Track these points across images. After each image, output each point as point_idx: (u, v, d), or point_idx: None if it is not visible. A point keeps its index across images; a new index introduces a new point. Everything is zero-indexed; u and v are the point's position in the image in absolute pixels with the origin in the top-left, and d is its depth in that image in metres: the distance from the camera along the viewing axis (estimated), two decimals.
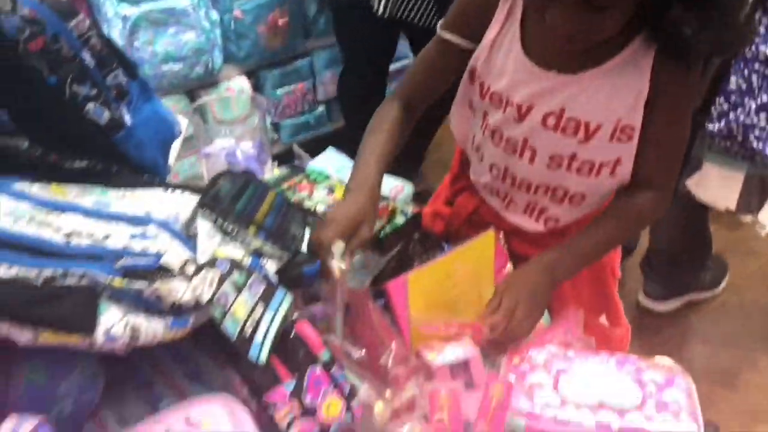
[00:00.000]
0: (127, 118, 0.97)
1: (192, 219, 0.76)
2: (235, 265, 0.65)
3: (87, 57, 0.88)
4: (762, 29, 1.55)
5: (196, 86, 2.39)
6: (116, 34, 2.15)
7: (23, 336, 0.56)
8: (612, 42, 0.97)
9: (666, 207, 1.14)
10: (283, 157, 1.61)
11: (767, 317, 2.22)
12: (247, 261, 0.69)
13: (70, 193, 0.82)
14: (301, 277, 0.80)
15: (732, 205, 1.80)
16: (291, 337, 0.69)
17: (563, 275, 1.08)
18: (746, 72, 1.60)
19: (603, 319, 1.35)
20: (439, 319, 0.99)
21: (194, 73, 2.31)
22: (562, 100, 1.03)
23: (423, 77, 1.13)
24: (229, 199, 0.80)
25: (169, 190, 0.90)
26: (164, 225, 0.70)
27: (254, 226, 0.78)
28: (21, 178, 0.80)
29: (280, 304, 0.68)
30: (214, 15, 2.34)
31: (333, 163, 1.30)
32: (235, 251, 0.69)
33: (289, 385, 0.68)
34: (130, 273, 0.60)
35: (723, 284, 2.29)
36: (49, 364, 0.66)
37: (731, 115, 1.63)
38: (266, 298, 0.66)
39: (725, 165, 1.74)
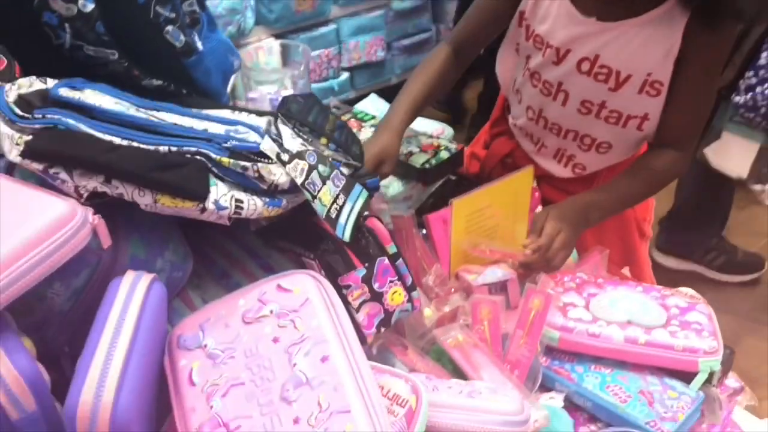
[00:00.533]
0: (199, 45, 1.05)
1: (268, 129, 0.83)
2: (320, 158, 0.73)
3: None
4: None
5: None
6: None
7: (144, 199, 0.64)
8: None
9: (686, 166, 1.21)
10: None
11: (763, 291, 2.32)
12: (329, 157, 0.76)
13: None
14: (366, 188, 0.88)
15: (744, 173, 1.89)
16: (363, 230, 0.77)
17: (595, 219, 1.14)
18: None
19: (626, 271, 1.42)
20: (481, 244, 1.07)
21: (227, 31, 2.38)
22: (598, 46, 1.10)
23: (476, 22, 1.21)
24: (301, 112, 0.88)
25: (236, 111, 0.97)
26: (251, 126, 0.78)
27: (325, 137, 0.85)
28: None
29: (357, 197, 0.75)
30: None
31: (376, 107, 1.38)
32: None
33: (360, 271, 0.75)
34: (235, 154, 0.67)
35: (737, 278, 2.35)
36: (147, 242, 0.74)
37: (758, 89, 1.72)
38: (346, 190, 0.74)
39: (743, 136, 1.83)
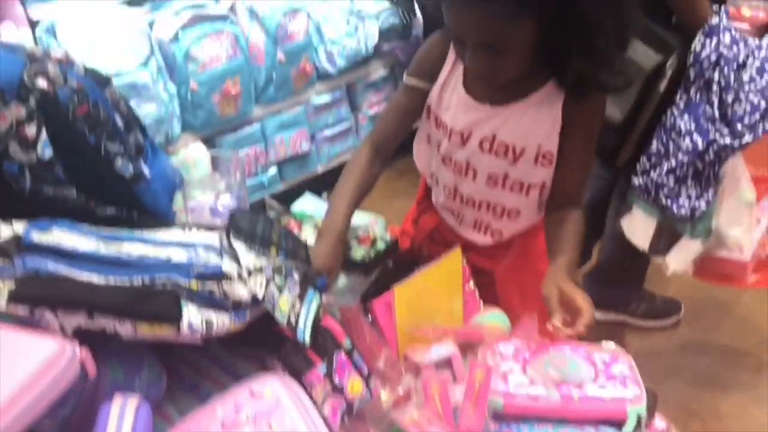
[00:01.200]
0: (146, 171, 1.13)
1: (224, 246, 0.92)
2: (275, 270, 0.82)
3: (118, 119, 1.05)
4: (681, 104, 1.84)
5: None
6: None
7: (125, 329, 0.71)
8: (532, 81, 1.22)
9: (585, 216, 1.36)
10: None
11: (683, 333, 2.51)
12: (282, 268, 0.86)
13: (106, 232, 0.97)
14: (315, 287, 0.97)
15: (646, 246, 2.06)
16: (319, 329, 0.86)
17: (573, 273, 1.24)
18: (664, 139, 1.88)
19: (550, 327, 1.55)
20: (423, 324, 1.17)
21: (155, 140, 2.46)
22: (494, 127, 1.26)
23: (392, 120, 1.35)
24: (249, 227, 0.97)
25: (186, 228, 1.05)
26: (208, 247, 0.86)
27: (274, 246, 0.95)
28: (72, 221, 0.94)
29: (311, 302, 0.85)
30: (172, 87, 2.52)
31: (312, 207, 1.48)
32: (270, 262, 0.86)
33: (321, 368, 0.84)
34: (202, 279, 0.76)
35: (658, 323, 2.52)
36: (125, 365, 0.80)
37: (650, 174, 1.91)
38: (301, 296, 0.83)
39: (645, 212, 2.01)
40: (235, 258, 0.83)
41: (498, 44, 1.10)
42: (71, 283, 0.72)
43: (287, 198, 2.98)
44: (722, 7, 1.76)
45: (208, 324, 0.75)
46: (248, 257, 0.85)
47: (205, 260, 0.80)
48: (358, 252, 1.28)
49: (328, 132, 3.18)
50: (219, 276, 0.77)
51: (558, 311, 1.12)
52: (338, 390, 0.84)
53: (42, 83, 0.92)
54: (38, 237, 0.79)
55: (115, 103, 1.04)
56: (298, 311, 0.81)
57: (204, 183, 1.71)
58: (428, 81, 1.31)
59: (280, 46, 2.77)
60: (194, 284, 0.75)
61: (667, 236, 2.01)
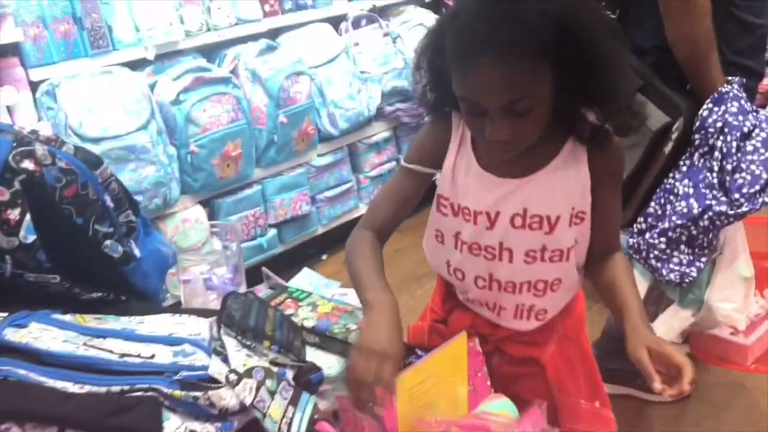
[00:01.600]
0: (136, 252, 1.09)
1: (214, 338, 0.87)
2: (267, 373, 0.76)
3: (108, 200, 1.00)
4: (684, 168, 1.80)
5: (153, 216, 2.49)
6: None
7: None
8: (551, 144, 1.17)
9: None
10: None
11: (695, 408, 2.39)
12: (275, 369, 0.80)
13: (90, 323, 0.92)
14: (309, 383, 0.91)
15: None
16: None
17: (649, 324, 1.17)
18: (662, 201, 1.85)
19: (597, 404, 1.47)
20: (426, 414, 1.10)
21: (153, 204, 2.42)
22: (523, 200, 1.19)
23: (393, 206, 1.26)
24: (242, 317, 0.92)
25: (176, 315, 1.00)
26: (196, 343, 0.81)
27: (267, 340, 0.89)
28: (54, 311, 0.89)
29: (305, 406, 0.78)
30: (172, 150, 2.49)
31: (310, 282, 1.42)
32: (261, 362, 0.80)
33: None
34: (186, 385, 0.70)
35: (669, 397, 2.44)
36: None
37: (644, 234, 1.87)
38: (294, 401, 0.77)
39: (640, 273, 1.95)
40: (224, 358, 0.77)
41: (521, 103, 1.04)
42: (43, 392, 0.66)
43: (286, 258, 2.95)
44: (737, 78, 1.74)
45: None
46: (239, 357, 0.79)
47: (191, 361, 0.74)
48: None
49: (329, 193, 3.15)
50: (205, 382, 0.71)
51: (655, 374, 1.05)
52: None
53: (28, 164, 0.88)
54: (11, 335, 0.73)
55: (105, 182, 1.00)
56: (291, 418, 0.75)
57: (199, 253, 1.67)
58: (429, 166, 1.25)
59: (283, 108, 2.76)
60: (177, 393, 0.69)
61: (655, 303, 1.95)
